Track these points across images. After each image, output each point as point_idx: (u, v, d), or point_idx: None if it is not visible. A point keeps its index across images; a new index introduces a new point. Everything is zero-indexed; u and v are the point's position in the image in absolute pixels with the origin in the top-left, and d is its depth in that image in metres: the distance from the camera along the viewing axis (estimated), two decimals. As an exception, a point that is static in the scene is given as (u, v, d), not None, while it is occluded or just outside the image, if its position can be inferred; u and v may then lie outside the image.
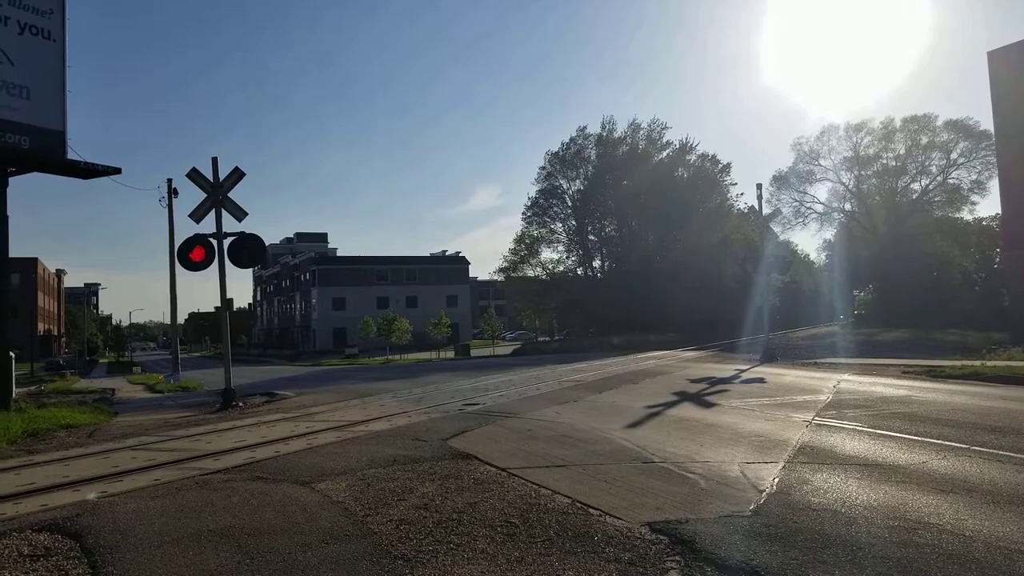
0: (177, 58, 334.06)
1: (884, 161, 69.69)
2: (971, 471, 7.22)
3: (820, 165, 72.14)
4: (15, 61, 16.47)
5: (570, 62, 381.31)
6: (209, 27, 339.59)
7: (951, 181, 66.98)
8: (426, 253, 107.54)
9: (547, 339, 72.98)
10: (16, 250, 18.85)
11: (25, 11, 16.69)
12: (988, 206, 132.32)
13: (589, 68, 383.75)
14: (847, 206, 74.41)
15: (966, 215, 69.49)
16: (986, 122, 60.19)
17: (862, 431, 9.99)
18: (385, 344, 64.71)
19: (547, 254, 70.47)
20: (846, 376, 19.80)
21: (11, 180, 16.88)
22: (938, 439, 9.15)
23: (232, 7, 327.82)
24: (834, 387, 16.52)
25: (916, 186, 69.93)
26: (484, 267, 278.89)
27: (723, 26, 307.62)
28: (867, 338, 43.41)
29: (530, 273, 69.16)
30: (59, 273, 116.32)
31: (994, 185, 64.64)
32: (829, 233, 79.99)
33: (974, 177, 64.95)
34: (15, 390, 17.88)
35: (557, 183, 68.73)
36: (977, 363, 21.09)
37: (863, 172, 70.93)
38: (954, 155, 65.50)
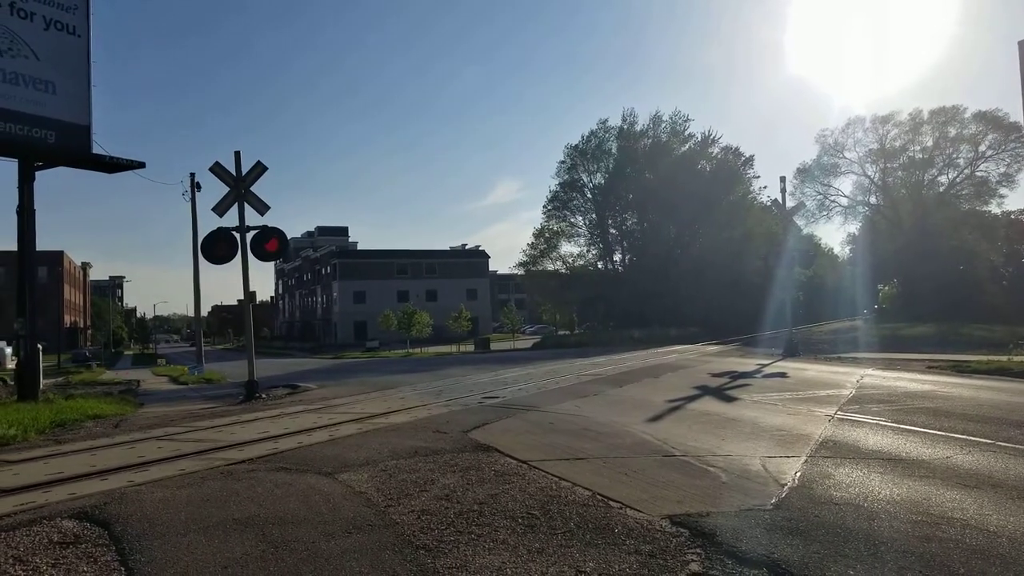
0: (198, 51, 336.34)
1: (911, 154, 68.69)
2: (996, 466, 7.16)
3: (845, 158, 71.26)
4: (41, 56, 16.68)
5: (595, 59, 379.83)
6: (227, 23, 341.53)
7: (979, 174, 65.96)
8: (446, 247, 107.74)
9: (567, 333, 72.90)
10: (43, 243, 19.11)
11: (50, 7, 16.90)
12: (1017, 199, 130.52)
13: (613, 63, 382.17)
14: (872, 199, 73.50)
15: (994, 208, 68.40)
16: (1015, 113, 59.39)
17: (885, 426, 9.93)
18: (405, 337, 64.88)
19: (567, 248, 70.47)
20: (869, 371, 19.65)
21: (37, 174, 17.11)
22: (963, 434, 9.07)
23: (245, 5, 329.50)
24: (857, 382, 16.40)
25: (943, 179, 68.93)
26: (505, 261, 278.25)
27: (749, 18, 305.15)
28: (891, 333, 42.89)
29: (550, 267, 69.11)
30: (84, 266, 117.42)
31: (1023, 178, 63.89)
32: (853, 227, 79.03)
33: (1002, 170, 63.95)
34: (43, 381, 18.16)
35: (577, 176, 68.61)
36: (1004, 358, 20.86)
37: (889, 165, 69.97)
38: (982, 147, 64.50)
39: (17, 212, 16.80)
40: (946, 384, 15.70)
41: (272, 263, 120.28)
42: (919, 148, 68.07)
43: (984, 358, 21.36)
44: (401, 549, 4.78)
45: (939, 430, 9.43)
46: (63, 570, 4.54)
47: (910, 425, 9.89)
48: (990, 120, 63.06)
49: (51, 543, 5.05)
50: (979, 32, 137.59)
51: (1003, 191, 65.18)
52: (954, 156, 66.86)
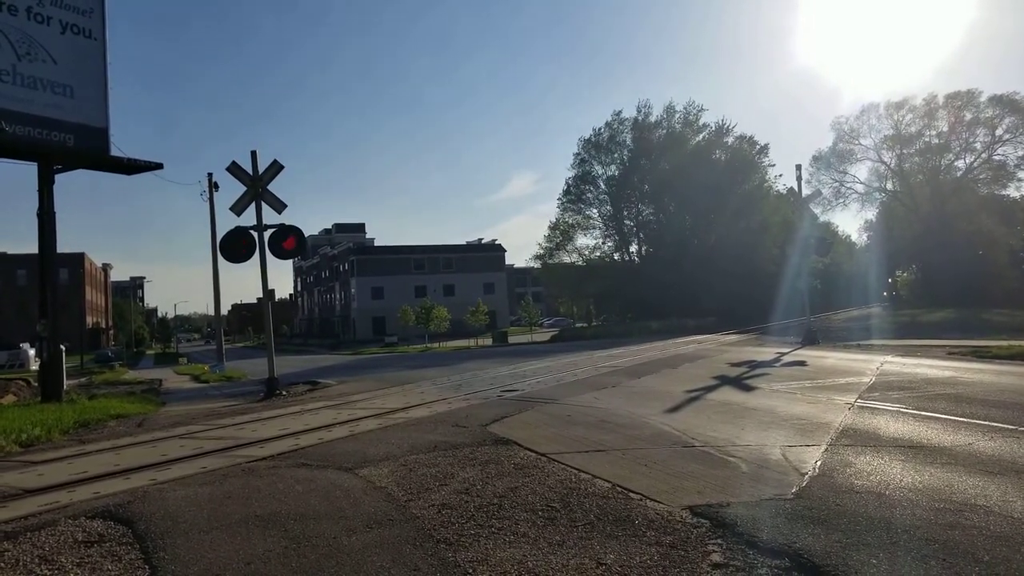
0: (214, 56, 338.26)
1: (927, 139, 68.20)
2: (1020, 452, 7.08)
3: (860, 144, 70.91)
4: (58, 60, 16.84)
5: (609, 49, 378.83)
6: (246, 25, 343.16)
7: (996, 158, 65.46)
8: (463, 241, 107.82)
9: (585, 325, 72.83)
10: (63, 245, 19.33)
11: (66, 11, 17.04)
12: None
13: (626, 52, 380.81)
14: (889, 185, 73.06)
15: (1012, 192, 67.86)
16: (1034, 96, 58.91)
17: (906, 413, 9.85)
18: (423, 332, 65.15)
19: (583, 240, 70.41)
20: (889, 358, 19.51)
21: (56, 177, 17.27)
22: (985, 420, 8.99)
23: (266, 4, 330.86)
24: (877, 369, 16.29)
25: (960, 164, 68.49)
26: (522, 254, 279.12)
27: (761, 6, 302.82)
28: (910, 319, 42.62)
29: (566, 260, 69.25)
30: (106, 267, 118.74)
31: (1041, 161, 63.12)
32: (870, 213, 78.72)
33: (1020, 153, 63.47)
34: (66, 382, 18.36)
35: (591, 169, 68.75)
36: (1025, 343, 20.65)
37: (905, 151, 69.43)
38: (999, 131, 63.98)
39: (38, 215, 16.97)
40: (967, 370, 15.57)
41: (290, 261, 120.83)
42: (935, 133, 67.66)
43: (1005, 343, 21.15)
44: (422, 543, 4.80)
45: (961, 416, 9.35)
46: (88, 569, 4.59)
47: (931, 412, 9.81)
48: (1007, 103, 62.41)
49: (76, 542, 5.11)
50: (1001, 16, 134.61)
51: (1021, 175, 64.84)
52: (971, 140, 66.43)
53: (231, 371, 30.55)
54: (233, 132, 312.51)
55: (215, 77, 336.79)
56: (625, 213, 68.59)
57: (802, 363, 18.91)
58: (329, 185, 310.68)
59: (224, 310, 51.46)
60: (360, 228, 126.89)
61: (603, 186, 68.44)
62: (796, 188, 32.48)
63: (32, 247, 17.53)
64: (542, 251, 69.18)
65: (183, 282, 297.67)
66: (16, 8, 16.17)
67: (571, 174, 69.59)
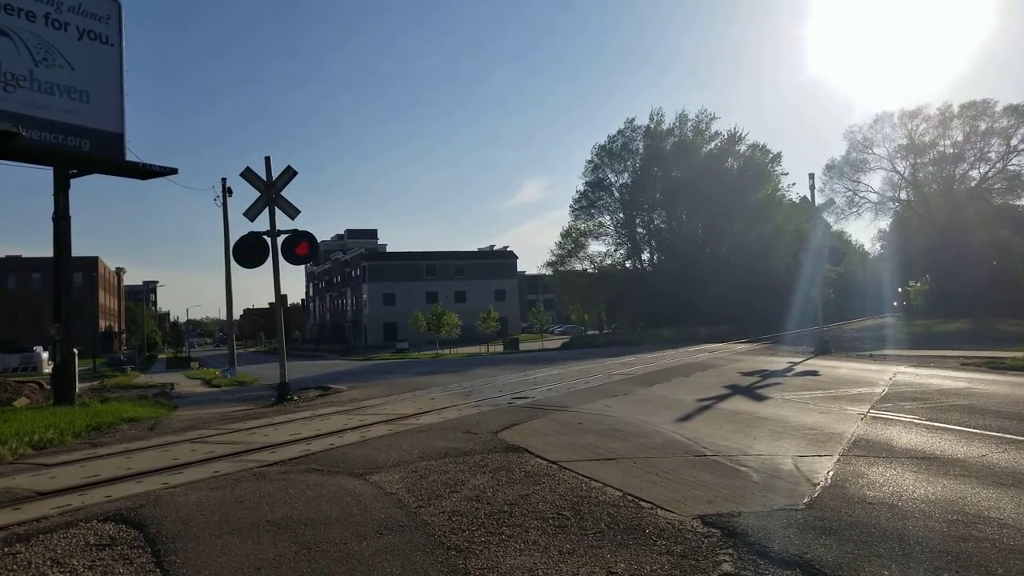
0: (227, 62, 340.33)
1: (941, 148, 67.81)
2: (1034, 465, 7.03)
3: (874, 153, 70.56)
4: (75, 66, 16.96)
5: (621, 57, 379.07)
6: (257, 31, 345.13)
7: (1011, 168, 65.05)
8: (474, 248, 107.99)
9: (596, 333, 72.77)
10: (78, 250, 19.45)
11: (83, 17, 17.17)
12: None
13: (640, 63, 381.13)
14: (902, 195, 72.67)
15: (1027, 202, 67.40)
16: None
17: (919, 424, 9.79)
18: (434, 338, 65.20)
19: (595, 247, 70.68)
20: (902, 368, 19.39)
21: (72, 181, 17.39)
22: (999, 432, 8.92)
23: (279, 11, 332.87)
24: (890, 379, 16.19)
25: (975, 173, 68.03)
26: (533, 260, 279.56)
27: (779, 15, 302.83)
28: (924, 330, 42.29)
29: (578, 267, 69.27)
30: (119, 271, 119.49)
31: (1057, 171, 62.70)
32: (884, 223, 78.19)
33: (1035, 163, 63.00)
34: (79, 385, 18.42)
35: (604, 176, 68.74)
36: (1040, 354, 20.46)
37: (919, 160, 69.07)
38: (1014, 141, 63.55)
39: (53, 219, 17.08)
40: (981, 381, 15.45)
41: (303, 266, 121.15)
42: (949, 143, 67.33)
43: (1020, 354, 20.95)
44: (432, 550, 4.80)
45: (974, 428, 9.28)
46: (100, 572, 4.60)
47: (944, 423, 9.75)
48: (1022, 113, 62.05)
49: (88, 545, 5.13)
50: (1020, 26, 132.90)
51: (1036, 185, 64.16)
52: (985, 150, 66.03)
53: (243, 376, 30.66)
54: (237, 134, 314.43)
55: (219, 75, 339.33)
56: (637, 221, 68.60)
57: (814, 373, 18.82)
58: (342, 191, 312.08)
59: (236, 315, 51.64)
60: (372, 234, 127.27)
61: (616, 193, 68.53)
62: (809, 197, 32.40)
63: (46, 251, 17.66)
64: (554, 258, 69.30)
65: (196, 287, 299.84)
66: (34, 14, 16.31)
67: (584, 181, 69.79)
